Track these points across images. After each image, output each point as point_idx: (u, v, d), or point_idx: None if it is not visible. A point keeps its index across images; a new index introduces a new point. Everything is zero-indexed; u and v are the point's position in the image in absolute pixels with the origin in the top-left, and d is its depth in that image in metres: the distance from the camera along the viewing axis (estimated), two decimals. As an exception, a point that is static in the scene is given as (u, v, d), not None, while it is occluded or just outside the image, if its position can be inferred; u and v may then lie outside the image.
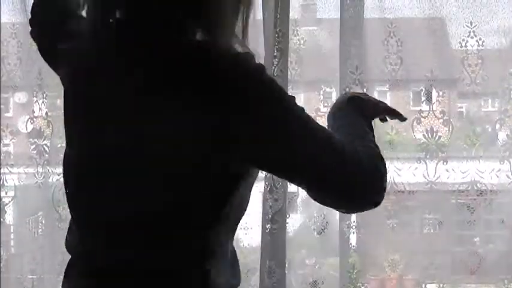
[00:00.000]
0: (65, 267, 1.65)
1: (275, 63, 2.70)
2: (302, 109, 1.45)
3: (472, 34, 2.78)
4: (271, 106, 1.41)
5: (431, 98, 2.84)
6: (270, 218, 2.72)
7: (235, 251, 1.60)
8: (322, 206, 2.61)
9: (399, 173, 2.80)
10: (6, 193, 3.13)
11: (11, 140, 3.21)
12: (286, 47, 2.72)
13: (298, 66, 2.79)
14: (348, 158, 1.45)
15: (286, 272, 2.79)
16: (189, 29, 1.48)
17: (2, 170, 3.09)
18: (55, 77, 1.80)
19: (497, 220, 2.86)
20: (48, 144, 3.07)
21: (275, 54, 2.70)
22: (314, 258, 2.94)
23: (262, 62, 2.65)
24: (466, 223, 2.84)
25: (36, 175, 3.05)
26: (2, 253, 3.02)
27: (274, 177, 2.66)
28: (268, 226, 2.73)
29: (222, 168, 1.44)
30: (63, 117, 1.65)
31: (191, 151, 1.41)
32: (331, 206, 1.55)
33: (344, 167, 1.45)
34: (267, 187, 2.73)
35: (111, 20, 1.53)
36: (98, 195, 1.56)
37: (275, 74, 2.69)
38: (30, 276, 3.12)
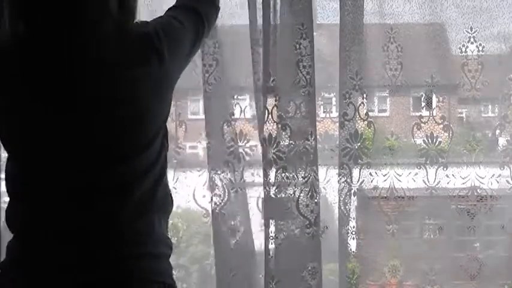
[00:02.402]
0: None
1: (310, 72, 2.70)
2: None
3: (472, 40, 2.78)
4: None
5: (431, 103, 2.85)
6: (313, 222, 2.72)
7: None
8: (321, 210, 2.66)
9: (399, 178, 2.80)
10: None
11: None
12: (312, 52, 2.73)
13: (298, 71, 2.80)
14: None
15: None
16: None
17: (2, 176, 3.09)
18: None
19: (498, 226, 2.86)
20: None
21: (305, 64, 2.70)
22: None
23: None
24: (466, 229, 2.84)
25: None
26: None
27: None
28: (309, 230, 2.72)
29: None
30: None
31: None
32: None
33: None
34: (307, 194, 2.73)
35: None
36: None
37: (303, 84, 2.69)
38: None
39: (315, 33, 2.80)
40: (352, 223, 2.78)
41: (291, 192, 2.70)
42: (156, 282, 1.90)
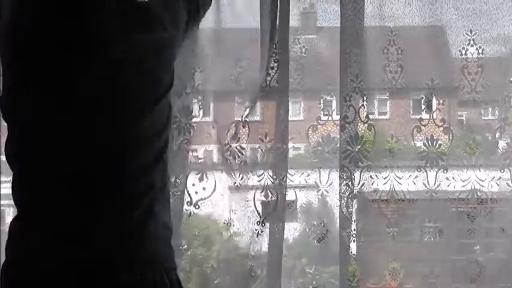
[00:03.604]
0: None
1: (271, 74, 2.72)
2: None
3: (472, 42, 2.79)
4: None
5: (431, 106, 2.85)
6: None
7: None
8: (321, 213, 2.69)
9: (399, 181, 2.80)
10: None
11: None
12: (286, 57, 2.74)
13: (298, 74, 2.80)
14: None
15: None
16: None
17: (2, 179, 3.09)
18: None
19: (498, 228, 2.86)
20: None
21: (272, 65, 2.72)
22: (314, 266, 2.94)
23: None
24: (466, 231, 2.84)
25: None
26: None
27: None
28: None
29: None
30: None
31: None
32: None
33: None
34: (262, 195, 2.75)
35: None
36: None
37: (271, 85, 2.71)
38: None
39: (315, 36, 2.80)
40: (353, 226, 2.78)
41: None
42: (156, 265, 1.91)
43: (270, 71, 2.73)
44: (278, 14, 2.71)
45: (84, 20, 1.87)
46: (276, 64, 2.73)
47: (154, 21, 1.94)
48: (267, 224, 2.75)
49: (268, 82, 2.73)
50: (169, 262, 1.96)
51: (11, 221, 1.96)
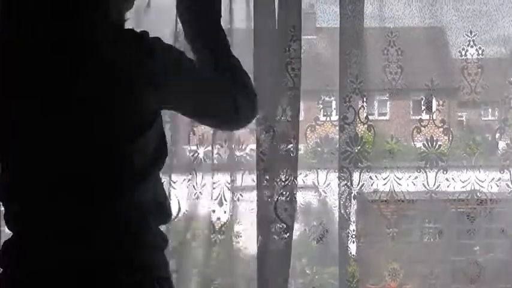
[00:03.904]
0: None
1: (298, 74, 2.71)
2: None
3: (471, 43, 2.79)
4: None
5: (431, 107, 2.85)
6: (285, 228, 2.74)
7: None
8: (321, 214, 2.67)
9: (399, 182, 2.81)
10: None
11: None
12: (300, 58, 2.74)
13: (298, 75, 2.80)
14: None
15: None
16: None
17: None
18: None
19: (497, 229, 2.86)
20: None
21: (298, 66, 2.72)
22: (314, 267, 2.94)
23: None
24: (466, 232, 2.84)
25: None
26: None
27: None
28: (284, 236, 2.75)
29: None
30: None
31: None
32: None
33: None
34: (287, 197, 2.75)
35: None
36: None
37: (289, 86, 2.71)
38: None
39: (314, 37, 2.80)
40: (352, 226, 2.79)
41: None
42: (152, 272, 1.91)
43: (297, 72, 2.71)
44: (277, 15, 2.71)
45: (77, 22, 1.88)
46: (298, 65, 2.72)
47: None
48: (270, 225, 2.74)
49: (294, 83, 2.72)
50: (165, 271, 1.96)
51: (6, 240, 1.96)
